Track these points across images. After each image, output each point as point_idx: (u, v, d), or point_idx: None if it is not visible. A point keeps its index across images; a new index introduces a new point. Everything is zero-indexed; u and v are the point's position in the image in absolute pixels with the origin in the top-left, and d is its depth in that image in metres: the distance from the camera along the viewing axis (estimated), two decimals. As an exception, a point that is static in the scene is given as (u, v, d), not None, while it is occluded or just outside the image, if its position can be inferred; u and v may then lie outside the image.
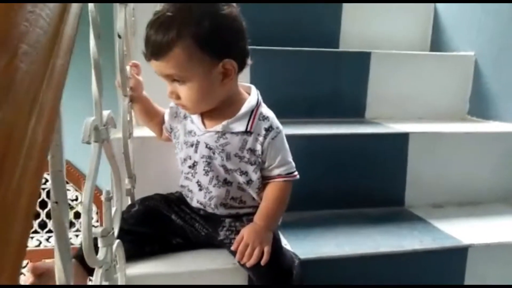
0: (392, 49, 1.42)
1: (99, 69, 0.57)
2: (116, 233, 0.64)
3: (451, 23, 1.53)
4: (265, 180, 0.82)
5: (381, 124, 1.25)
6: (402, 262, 0.91)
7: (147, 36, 0.73)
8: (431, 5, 1.59)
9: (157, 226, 0.83)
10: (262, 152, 0.79)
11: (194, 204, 0.85)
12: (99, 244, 0.59)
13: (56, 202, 0.34)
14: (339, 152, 1.10)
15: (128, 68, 0.85)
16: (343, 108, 1.32)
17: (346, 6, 1.51)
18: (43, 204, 2.37)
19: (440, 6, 1.58)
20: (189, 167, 0.83)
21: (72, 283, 0.37)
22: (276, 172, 0.81)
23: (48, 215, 2.37)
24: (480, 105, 1.39)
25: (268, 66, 1.24)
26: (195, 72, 0.73)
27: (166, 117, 0.89)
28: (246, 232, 0.76)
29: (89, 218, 0.51)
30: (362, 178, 1.12)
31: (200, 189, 0.83)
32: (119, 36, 0.78)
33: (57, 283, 0.36)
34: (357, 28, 1.52)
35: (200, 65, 0.72)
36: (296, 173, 0.83)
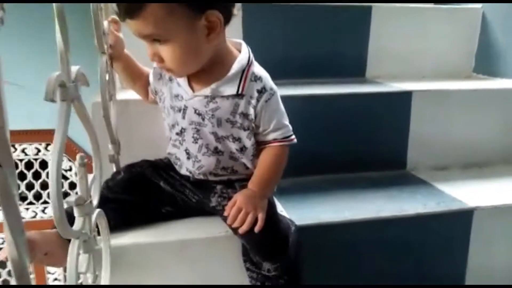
0: (393, 2, 1.32)
1: (63, 18, 0.49)
2: (95, 202, 0.59)
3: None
4: (260, 146, 0.77)
5: (383, 83, 1.18)
6: (404, 227, 0.87)
7: None
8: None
9: (144, 194, 0.78)
10: (256, 116, 0.73)
11: (183, 172, 0.80)
12: (75, 214, 0.53)
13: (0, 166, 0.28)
14: (338, 114, 1.03)
15: (105, 23, 0.77)
16: (343, 67, 1.25)
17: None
18: (37, 175, 2.33)
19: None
20: (177, 133, 0.77)
21: (27, 259, 0.32)
22: (271, 136, 0.75)
23: (43, 186, 2.33)
24: (486, 62, 1.32)
25: (262, 23, 1.16)
26: (176, 28, 0.65)
27: (151, 79, 0.82)
28: (239, 196, 0.71)
29: (58, 185, 0.46)
30: (362, 140, 1.06)
31: (188, 158, 0.77)
32: (93, -14, 0.70)
33: (9, 259, 0.31)
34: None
35: (180, 19, 0.64)
36: (293, 136, 0.77)
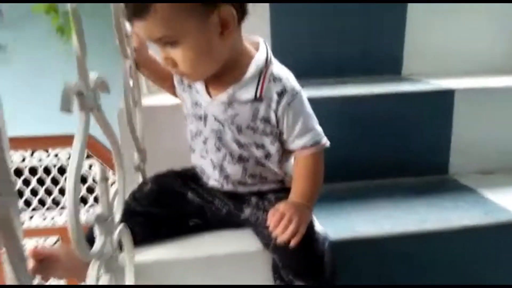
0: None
1: (79, 20, 0.46)
2: (118, 217, 0.56)
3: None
4: (291, 154, 0.71)
5: (421, 81, 1.10)
6: (450, 239, 0.79)
7: None
8: None
9: (172, 206, 0.75)
10: (278, 121, 0.68)
11: (211, 183, 0.75)
12: (95, 233, 0.50)
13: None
14: (374, 115, 0.97)
15: (128, 25, 0.74)
16: (377, 64, 1.17)
17: None
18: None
19: None
20: (203, 142, 0.73)
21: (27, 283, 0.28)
22: (299, 143, 0.69)
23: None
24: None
25: (291, 21, 1.10)
26: (187, 27, 0.60)
27: (175, 82, 0.78)
28: (283, 204, 0.66)
29: (76, 203, 0.42)
30: (400, 143, 0.99)
31: (214, 168, 0.73)
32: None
33: (7, 283, 0.27)
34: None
35: (191, 16, 0.60)
36: (324, 140, 0.70)
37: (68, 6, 0.45)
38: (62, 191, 2.38)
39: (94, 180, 2.40)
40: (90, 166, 2.38)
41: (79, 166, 0.43)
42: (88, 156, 2.22)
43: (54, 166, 2.34)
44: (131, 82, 0.73)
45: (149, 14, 0.59)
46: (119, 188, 0.58)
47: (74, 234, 0.42)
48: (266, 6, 1.09)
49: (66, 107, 0.42)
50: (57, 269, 0.62)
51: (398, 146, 0.99)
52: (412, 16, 1.17)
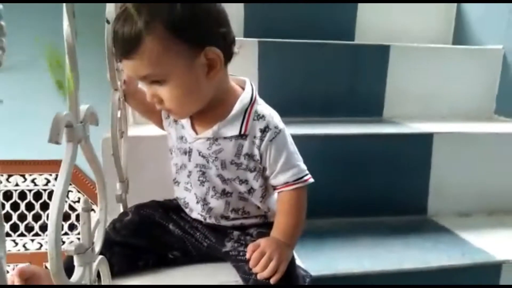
0: (410, 42, 1.31)
1: (73, 54, 0.47)
2: (98, 249, 0.55)
3: (476, 15, 1.41)
4: (275, 190, 0.72)
5: (401, 124, 1.14)
6: (428, 280, 0.80)
7: (114, 31, 0.62)
8: (454, -5, 1.48)
9: (153, 238, 0.74)
10: (261, 157, 0.69)
11: (194, 216, 0.76)
12: (75, 263, 0.49)
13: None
14: (356, 154, 1.00)
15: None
16: (359, 106, 1.22)
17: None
18: (46, 206, 2.29)
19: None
20: (187, 176, 0.74)
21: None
22: (281, 179, 0.70)
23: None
24: (508, 104, 1.27)
25: (279, 60, 1.14)
26: (174, 66, 0.62)
27: (162, 115, 0.79)
28: (263, 240, 0.66)
29: (57, 234, 0.42)
30: (380, 183, 1.01)
31: (197, 202, 0.73)
32: (108, 22, 0.68)
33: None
34: (373, 19, 1.42)
35: (178, 57, 0.61)
36: (307, 176, 0.71)
37: (65, 39, 0.46)
38: (35, 218, 2.32)
39: (70, 207, 2.35)
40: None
41: (63, 197, 0.43)
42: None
43: (30, 191, 2.29)
44: (118, 113, 0.74)
45: (137, 53, 0.60)
46: (100, 219, 0.57)
47: (54, 265, 0.42)
48: (255, 44, 1.13)
49: (54, 138, 0.42)
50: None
51: (378, 186, 1.01)
52: (393, 61, 1.22)
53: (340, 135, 1.00)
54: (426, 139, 1.02)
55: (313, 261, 0.78)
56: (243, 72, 0.75)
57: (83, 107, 0.48)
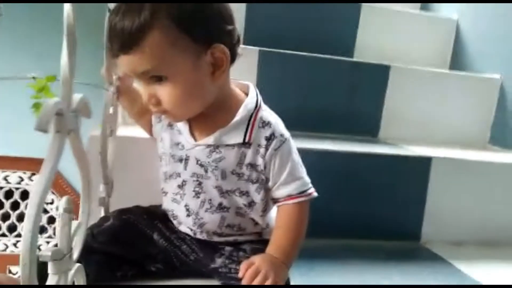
0: (406, 63, 1.29)
1: (73, 38, 0.42)
2: (76, 255, 0.49)
3: (475, 42, 1.41)
4: (275, 203, 0.68)
5: (397, 146, 1.11)
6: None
7: (111, 26, 0.57)
8: (454, 20, 1.49)
9: (134, 247, 0.68)
10: (265, 167, 0.65)
11: (183, 229, 0.70)
12: (49, 270, 0.43)
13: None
14: (352, 173, 0.96)
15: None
16: (356, 125, 1.19)
17: (364, 10, 1.40)
18: (16, 205, 2.18)
19: (463, 22, 1.47)
20: (178, 186, 0.68)
21: None
22: (284, 192, 0.66)
23: (20, 218, 2.17)
24: (503, 134, 1.27)
25: (279, 70, 1.11)
26: (178, 63, 0.58)
27: (153, 120, 0.74)
28: (259, 258, 0.61)
29: (34, 236, 0.37)
30: (375, 205, 0.98)
31: (188, 215, 0.68)
32: (110, 11, 0.64)
33: None
34: (373, 38, 1.41)
35: (184, 53, 0.57)
36: (311, 190, 0.67)
37: (64, 22, 0.42)
38: (4, 217, 2.20)
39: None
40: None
41: (44, 195, 0.38)
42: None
43: (1, 188, 2.17)
44: (111, 110, 0.68)
45: (139, 47, 0.56)
46: (82, 222, 0.52)
47: (26, 272, 0.36)
48: (255, 53, 1.09)
49: (43, 126, 0.37)
50: None
51: (372, 208, 0.97)
52: (392, 83, 1.20)
53: (336, 152, 0.96)
54: (425, 162, 0.99)
55: (303, 283, 0.73)
56: (242, 79, 0.72)
57: (76, 96, 0.43)
